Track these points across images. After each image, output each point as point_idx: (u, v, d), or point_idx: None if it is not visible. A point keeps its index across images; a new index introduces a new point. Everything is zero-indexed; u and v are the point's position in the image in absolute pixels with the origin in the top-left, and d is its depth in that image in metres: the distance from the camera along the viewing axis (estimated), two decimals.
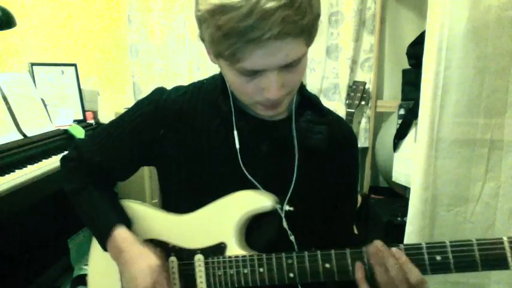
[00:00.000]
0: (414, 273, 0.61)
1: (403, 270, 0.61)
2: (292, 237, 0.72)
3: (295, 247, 0.72)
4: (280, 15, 0.52)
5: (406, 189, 2.00)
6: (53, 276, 2.01)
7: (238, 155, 0.72)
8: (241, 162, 0.72)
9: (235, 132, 0.73)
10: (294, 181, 0.73)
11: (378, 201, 2.14)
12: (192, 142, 0.76)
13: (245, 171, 0.72)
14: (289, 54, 0.58)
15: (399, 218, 1.81)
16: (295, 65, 0.61)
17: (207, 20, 0.57)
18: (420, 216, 1.38)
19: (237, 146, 0.73)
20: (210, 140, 0.76)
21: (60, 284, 2.01)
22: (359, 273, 0.64)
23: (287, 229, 0.72)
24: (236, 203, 0.73)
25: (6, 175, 1.44)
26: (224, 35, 0.55)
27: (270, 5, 0.52)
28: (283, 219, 0.72)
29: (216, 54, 0.61)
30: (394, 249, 0.62)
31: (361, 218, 2.12)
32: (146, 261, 0.71)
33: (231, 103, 0.74)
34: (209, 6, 0.55)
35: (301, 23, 0.55)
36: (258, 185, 0.73)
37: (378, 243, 0.64)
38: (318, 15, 0.60)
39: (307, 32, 0.58)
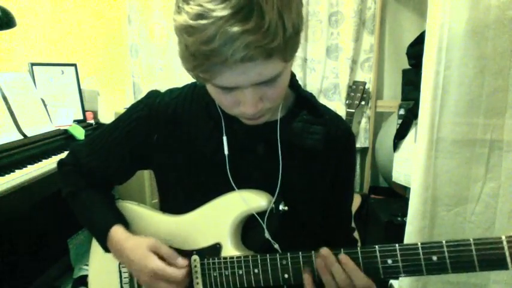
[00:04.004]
0: (359, 277, 0.62)
1: (349, 276, 0.62)
2: (276, 246, 0.71)
3: (279, 252, 0.71)
4: (244, 40, 0.49)
5: (406, 189, 2.00)
6: (53, 276, 2.01)
7: (226, 161, 0.72)
8: (228, 170, 0.72)
9: (224, 139, 0.73)
10: (279, 181, 0.72)
11: (378, 201, 2.14)
12: (186, 146, 0.76)
13: (230, 179, 0.72)
14: (262, 73, 0.55)
15: (399, 218, 1.81)
16: (272, 80, 0.58)
17: (178, 36, 0.56)
18: (420, 216, 1.38)
19: (226, 152, 0.72)
20: (203, 144, 0.75)
21: (60, 284, 2.01)
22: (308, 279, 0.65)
23: (270, 239, 0.71)
24: (231, 203, 0.73)
25: (6, 175, 1.44)
26: (191, 55, 0.54)
27: (234, 29, 0.49)
28: (265, 231, 0.71)
29: (187, 70, 0.59)
30: (341, 255, 0.63)
31: (361, 218, 2.12)
32: (142, 249, 0.72)
33: (219, 107, 0.72)
34: (178, 24, 0.53)
35: (270, 46, 0.51)
36: (245, 190, 0.72)
37: (323, 251, 0.64)
38: (297, 32, 0.55)
39: (279, 52, 0.53)
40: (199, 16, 0.50)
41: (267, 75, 0.56)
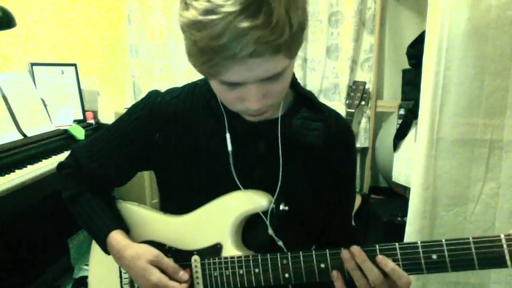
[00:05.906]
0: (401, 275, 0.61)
1: (385, 273, 0.62)
2: (280, 243, 0.71)
3: (285, 250, 0.71)
4: (253, 35, 0.50)
5: (406, 189, 2.00)
6: (53, 276, 2.01)
7: (230, 158, 0.72)
8: (232, 167, 0.72)
9: (228, 135, 0.73)
10: (280, 180, 0.72)
11: (378, 201, 2.14)
12: (187, 144, 0.76)
13: (234, 176, 0.72)
14: (269, 69, 0.56)
15: (399, 218, 1.81)
16: (277, 76, 0.59)
17: (185, 32, 0.56)
18: (420, 216, 1.38)
19: (229, 149, 0.72)
20: (204, 142, 0.75)
21: (60, 284, 2.02)
22: (338, 283, 0.65)
23: (273, 236, 0.71)
24: (232, 203, 0.73)
25: (6, 175, 1.44)
26: (199, 50, 0.54)
27: (244, 24, 0.50)
28: (269, 227, 0.71)
29: (194, 66, 0.60)
30: (380, 257, 0.62)
31: (361, 218, 2.12)
32: (142, 261, 0.72)
33: (222, 105, 0.73)
34: (186, 20, 0.54)
35: (278, 42, 0.52)
36: (245, 190, 0.72)
37: (354, 249, 0.64)
38: (302, 28, 0.57)
39: (285, 48, 0.54)
40: (209, 12, 0.51)
41: (273, 71, 0.57)
